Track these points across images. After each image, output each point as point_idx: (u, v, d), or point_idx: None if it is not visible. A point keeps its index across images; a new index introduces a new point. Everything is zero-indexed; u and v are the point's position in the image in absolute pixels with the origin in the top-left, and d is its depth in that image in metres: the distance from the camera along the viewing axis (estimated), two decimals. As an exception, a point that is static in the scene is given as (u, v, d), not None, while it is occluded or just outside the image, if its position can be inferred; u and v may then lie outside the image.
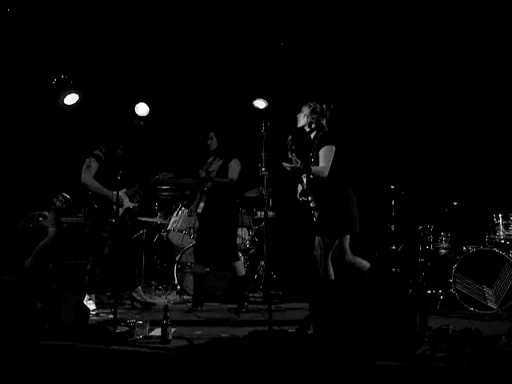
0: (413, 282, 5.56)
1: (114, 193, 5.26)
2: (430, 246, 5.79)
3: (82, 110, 6.68)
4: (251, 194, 6.22)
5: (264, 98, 6.83)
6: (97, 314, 5.12)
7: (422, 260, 5.81)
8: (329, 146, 4.54)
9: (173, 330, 4.02)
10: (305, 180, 4.68)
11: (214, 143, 5.59)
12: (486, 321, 4.73)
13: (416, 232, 5.93)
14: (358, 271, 4.68)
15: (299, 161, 4.50)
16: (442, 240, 5.77)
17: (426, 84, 6.70)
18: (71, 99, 6.46)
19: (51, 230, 6.46)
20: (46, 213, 6.60)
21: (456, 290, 5.09)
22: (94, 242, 5.39)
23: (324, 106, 4.74)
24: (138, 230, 6.98)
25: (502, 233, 5.46)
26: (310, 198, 4.64)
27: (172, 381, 3.47)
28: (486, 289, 5.03)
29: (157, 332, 4.09)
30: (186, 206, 6.59)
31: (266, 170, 4.67)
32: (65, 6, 6.23)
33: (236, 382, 3.39)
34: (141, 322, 4.15)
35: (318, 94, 4.99)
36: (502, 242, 5.41)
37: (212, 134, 5.60)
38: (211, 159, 5.63)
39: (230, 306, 5.52)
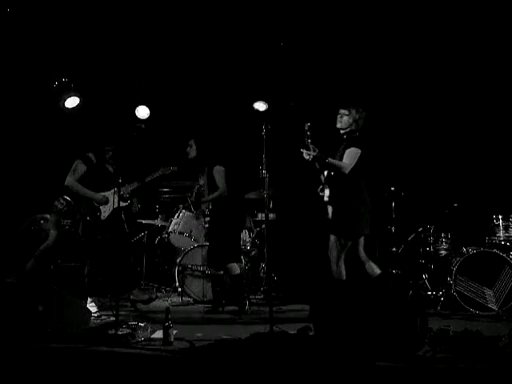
0: (413, 283, 5.57)
1: (99, 194, 5.33)
2: (430, 248, 5.81)
3: (83, 112, 6.70)
4: (252, 196, 6.24)
5: (264, 101, 6.85)
6: (98, 317, 5.12)
7: (423, 261, 5.83)
8: (356, 149, 4.66)
9: (174, 331, 4.03)
10: (325, 173, 4.74)
11: (193, 151, 5.65)
12: (486, 322, 4.73)
13: (416, 233, 5.94)
14: (366, 273, 4.73)
15: (316, 149, 4.55)
16: (442, 241, 5.78)
17: (426, 86, 6.71)
18: (72, 102, 6.48)
19: (52, 232, 6.47)
20: (48, 215, 6.62)
21: (456, 291, 5.10)
22: (88, 245, 5.42)
23: (364, 113, 4.81)
24: (138, 233, 7.00)
25: (502, 234, 5.48)
26: (326, 192, 4.69)
27: (174, 383, 3.48)
28: (486, 290, 5.05)
29: (158, 334, 4.09)
30: (188, 209, 6.61)
31: (266, 172, 4.70)
32: (65, 9, 6.25)
33: (238, 383, 3.40)
34: (142, 324, 4.17)
35: (359, 98, 5.03)
36: (502, 243, 5.43)
37: (191, 142, 5.64)
38: (196, 187, 5.72)
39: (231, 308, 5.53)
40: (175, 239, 6.55)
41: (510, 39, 6.15)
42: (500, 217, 5.51)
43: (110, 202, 5.49)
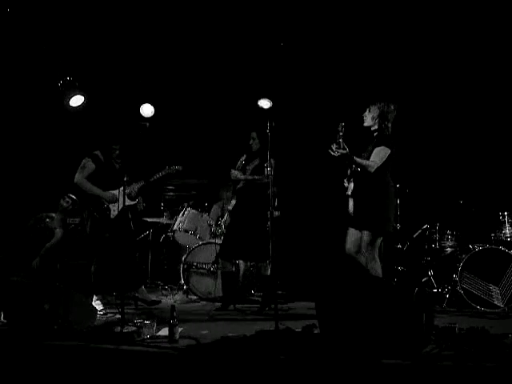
0: (419, 280, 5.56)
1: (108, 192, 5.35)
2: (435, 245, 5.79)
3: (87, 111, 6.71)
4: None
5: (269, 98, 6.84)
6: (104, 315, 5.14)
7: (428, 258, 5.81)
8: (385, 148, 4.60)
9: (180, 329, 4.04)
10: (350, 170, 4.76)
11: (256, 144, 5.60)
12: (492, 319, 4.72)
13: (422, 230, 5.93)
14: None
15: (347, 148, 4.55)
16: (447, 238, 5.76)
17: (431, 82, 6.68)
18: (77, 101, 6.49)
19: (58, 231, 6.50)
20: (53, 214, 6.65)
21: (462, 288, 5.09)
22: (95, 243, 5.44)
23: (392, 107, 4.74)
24: (144, 231, 7.02)
25: (507, 231, 5.45)
26: (350, 186, 4.71)
27: (180, 380, 3.50)
28: (492, 287, 5.03)
29: (164, 332, 4.10)
30: (193, 206, 6.62)
31: (271, 170, 4.70)
32: (69, 8, 6.26)
33: (243, 381, 3.41)
34: (148, 322, 4.18)
35: (384, 93, 4.97)
36: (509, 239, 5.40)
37: (254, 135, 5.60)
38: (243, 157, 5.62)
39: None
40: (180, 237, 6.57)
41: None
42: (506, 213, 5.48)
43: (119, 201, 5.51)
